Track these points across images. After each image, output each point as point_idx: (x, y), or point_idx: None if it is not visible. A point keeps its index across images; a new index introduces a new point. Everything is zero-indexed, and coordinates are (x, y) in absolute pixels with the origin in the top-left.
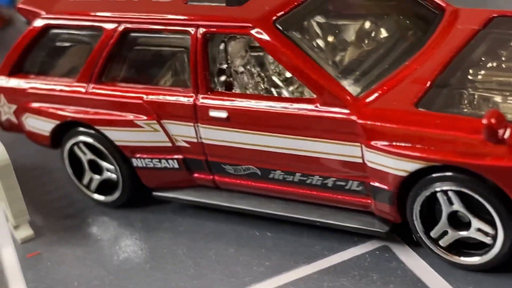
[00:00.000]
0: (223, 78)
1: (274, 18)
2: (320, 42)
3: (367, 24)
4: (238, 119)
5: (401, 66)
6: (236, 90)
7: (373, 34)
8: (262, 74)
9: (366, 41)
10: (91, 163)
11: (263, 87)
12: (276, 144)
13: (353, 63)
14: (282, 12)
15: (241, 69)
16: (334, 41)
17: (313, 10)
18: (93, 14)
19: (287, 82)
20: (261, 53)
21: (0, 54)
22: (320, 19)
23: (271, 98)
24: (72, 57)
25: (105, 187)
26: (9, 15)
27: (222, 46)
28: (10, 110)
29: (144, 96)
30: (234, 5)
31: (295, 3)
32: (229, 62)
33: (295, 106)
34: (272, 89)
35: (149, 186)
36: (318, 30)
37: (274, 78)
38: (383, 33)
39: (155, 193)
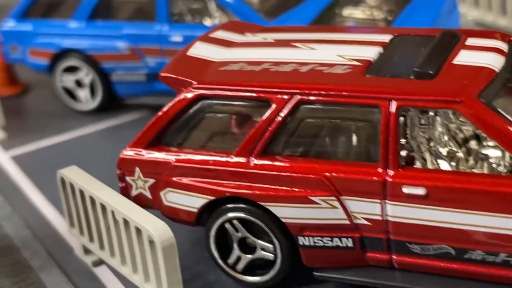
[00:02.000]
0: (403, 152)
1: (479, 91)
2: None
3: None
4: (439, 196)
5: None
6: (417, 165)
7: None
8: (434, 149)
9: None
10: (241, 241)
11: (436, 162)
12: (483, 222)
13: None
14: (484, 85)
15: (420, 143)
16: None
17: (506, 80)
18: (259, 84)
19: (454, 156)
20: (428, 127)
21: (17, 121)
22: None
23: (481, 175)
24: (224, 129)
25: (249, 266)
26: (26, 81)
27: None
28: (144, 184)
29: (323, 171)
30: (425, 79)
31: (493, 75)
32: (407, 136)
33: (509, 183)
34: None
35: (310, 265)
36: None
37: (446, 152)
38: None
39: (317, 273)
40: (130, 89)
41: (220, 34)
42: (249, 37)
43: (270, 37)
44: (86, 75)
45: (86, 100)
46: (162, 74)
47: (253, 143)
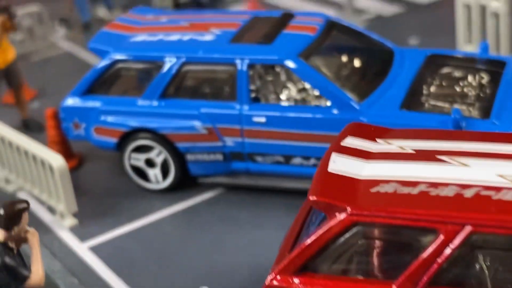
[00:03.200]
0: None
1: None
2: None
3: None
4: None
5: None
6: None
7: None
8: None
9: None
10: None
11: None
12: None
13: None
14: None
15: None
16: None
17: None
18: (424, 213)
19: None
20: None
21: (83, 202)
22: None
23: None
24: (379, 256)
25: None
26: (79, 152)
27: None
28: None
29: None
30: None
31: None
32: None
33: None
34: None
35: None
36: None
37: None
38: None
39: None
40: (205, 169)
41: (352, 142)
42: (383, 146)
43: (407, 145)
44: (157, 155)
45: (157, 180)
46: (312, 199)
47: (418, 275)
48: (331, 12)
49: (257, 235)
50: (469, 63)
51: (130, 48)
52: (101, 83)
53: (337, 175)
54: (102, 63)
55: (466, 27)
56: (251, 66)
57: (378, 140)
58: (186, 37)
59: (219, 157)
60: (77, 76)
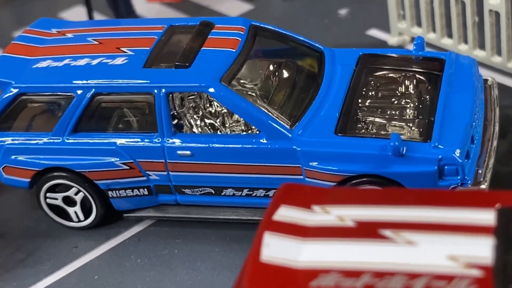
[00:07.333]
0: None
1: None
2: None
3: None
4: None
5: None
6: None
7: None
8: None
9: None
10: None
11: None
12: None
13: None
14: None
15: None
16: None
17: None
18: None
19: None
20: None
21: None
22: None
23: None
24: None
25: None
26: None
27: None
28: None
29: None
30: None
31: None
32: None
33: None
34: None
35: None
36: None
37: None
38: None
39: None
40: (130, 203)
41: (285, 214)
42: (320, 216)
43: (346, 215)
44: (75, 193)
45: (79, 219)
46: None
47: None
48: None
49: (191, 279)
50: (405, 65)
51: (33, 78)
52: (5, 118)
53: (272, 265)
54: (4, 96)
55: (398, 5)
56: (169, 94)
57: (314, 207)
58: (95, 61)
59: (144, 191)
60: None
